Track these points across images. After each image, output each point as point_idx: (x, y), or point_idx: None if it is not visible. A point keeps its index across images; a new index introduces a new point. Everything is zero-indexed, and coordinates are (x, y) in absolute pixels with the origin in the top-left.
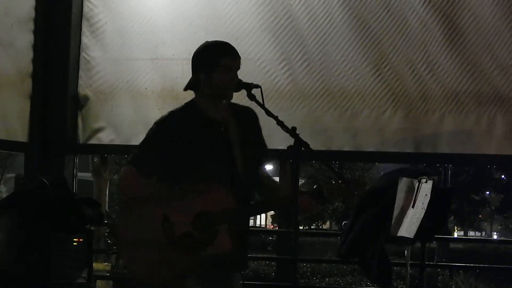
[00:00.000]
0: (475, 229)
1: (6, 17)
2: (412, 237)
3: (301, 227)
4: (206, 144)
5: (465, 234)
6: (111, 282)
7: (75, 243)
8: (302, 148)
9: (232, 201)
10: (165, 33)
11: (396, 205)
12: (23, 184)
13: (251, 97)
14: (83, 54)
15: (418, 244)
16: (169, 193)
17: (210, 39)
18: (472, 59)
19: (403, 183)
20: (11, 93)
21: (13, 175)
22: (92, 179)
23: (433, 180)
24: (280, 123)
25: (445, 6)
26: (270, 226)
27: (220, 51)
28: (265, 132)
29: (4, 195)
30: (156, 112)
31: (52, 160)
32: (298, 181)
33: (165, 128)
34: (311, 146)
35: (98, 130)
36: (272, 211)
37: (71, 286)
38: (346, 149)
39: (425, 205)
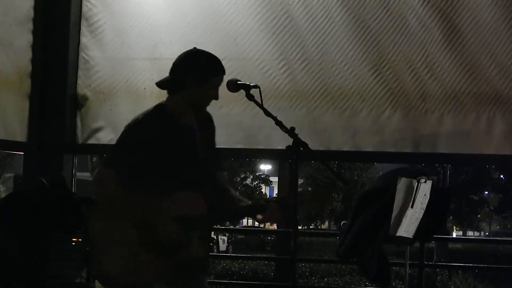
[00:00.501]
0: (474, 229)
1: (5, 17)
2: (411, 237)
3: (300, 227)
4: (179, 149)
5: (464, 234)
6: None
7: (74, 243)
8: (301, 148)
9: (204, 206)
10: (164, 32)
11: (395, 205)
12: (22, 183)
13: (250, 97)
14: (82, 53)
15: (417, 244)
16: (144, 196)
17: (209, 40)
18: (471, 59)
19: (402, 183)
20: (10, 93)
21: (12, 174)
22: (91, 178)
23: (432, 180)
24: (279, 123)
25: (444, 6)
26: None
27: (217, 68)
28: (264, 132)
29: (3, 195)
30: None
31: (51, 159)
32: (297, 181)
33: (140, 132)
34: (310, 146)
35: (97, 129)
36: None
37: (70, 286)
38: (345, 149)
39: (424, 205)
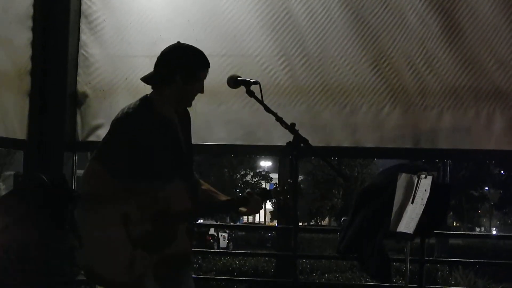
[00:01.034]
0: (474, 224)
1: (5, 14)
2: (411, 232)
3: (300, 224)
4: (166, 143)
5: (464, 230)
6: None
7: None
8: (301, 145)
9: (189, 200)
10: (163, 30)
11: (395, 201)
12: (22, 181)
13: (250, 93)
14: (81, 51)
15: (418, 240)
16: (133, 192)
17: (208, 36)
18: (470, 55)
19: (402, 179)
20: (10, 91)
21: (12, 172)
22: None
23: (432, 175)
24: (279, 119)
25: (444, 1)
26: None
27: (203, 62)
28: (264, 129)
29: (3, 193)
30: None
31: (51, 157)
32: (298, 177)
33: (129, 126)
34: (310, 142)
35: (97, 127)
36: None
37: (71, 284)
38: (345, 145)
39: (424, 201)
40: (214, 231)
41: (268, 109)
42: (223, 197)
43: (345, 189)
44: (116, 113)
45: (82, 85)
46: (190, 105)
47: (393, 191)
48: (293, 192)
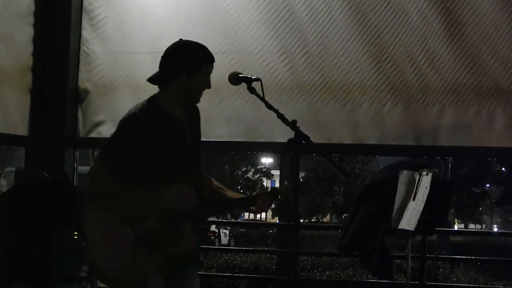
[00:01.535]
0: (476, 222)
1: (6, 11)
2: (412, 229)
3: (301, 220)
4: (172, 143)
5: (465, 227)
6: None
7: (76, 237)
8: (303, 141)
9: (195, 198)
10: (164, 26)
11: (396, 198)
12: (23, 178)
13: (251, 90)
14: (83, 47)
15: (419, 237)
16: (137, 190)
17: (210, 33)
18: (472, 52)
19: (403, 176)
20: (11, 87)
21: (13, 169)
22: None
23: (434, 172)
24: (281, 116)
25: None
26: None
27: (205, 56)
28: (265, 125)
29: (5, 189)
30: None
31: (52, 153)
32: (299, 174)
33: (133, 125)
34: (311, 139)
35: (98, 123)
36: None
37: (71, 279)
38: (346, 142)
39: (425, 198)
40: (215, 228)
41: (269, 106)
42: (233, 194)
43: (346, 186)
44: (117, 110)
45: (83, 82)
46: (197, 101)
47: (394, 188)
48: (295, 189)
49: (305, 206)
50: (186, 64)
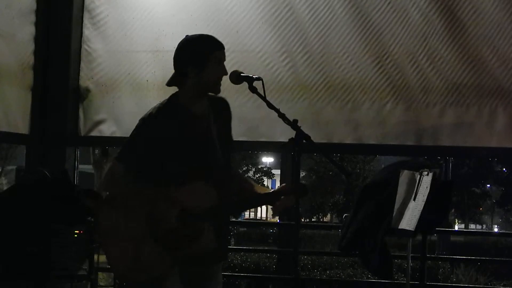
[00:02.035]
0: (476, 222)
1: (8, 9)
2: (413, 229)
3: (302, 220)
4: (192, 141)
5: (466, 227)
6: (112, 274)
7: (76, 235)
8: (304, 141)
9: (216, 197)
10: (166, 25)
11: (397, 198)
12: (24, 176)
13: (253, 89)
14: (84, 46)
15: (419, 237)
16: (154, 190)
17: (211, 32)
18: (473, 52)
19: (404, 176)
20: (13, 85)
21: (14, 167)
22: (93, 171)
23: (434, 172)
24: (282, 116)
25: None
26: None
27: (211, 44)
28: (266, 125)
29: (5, 187)
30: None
31: (53, 152)
32: (299, 173)
33: (151, 125)
34: (312, 138)
35: (99, 122)
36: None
37: (72, 278)
38: (347, 141)
39: (426, 198)
40: None
41: (270, 105)
42: (261, 190)
43: (347, 186)
44: (118, 108)
45: (84, 80)
46: (217, 91)
47: (395, 187)
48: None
49: (305, 205)
50: (192, 58)
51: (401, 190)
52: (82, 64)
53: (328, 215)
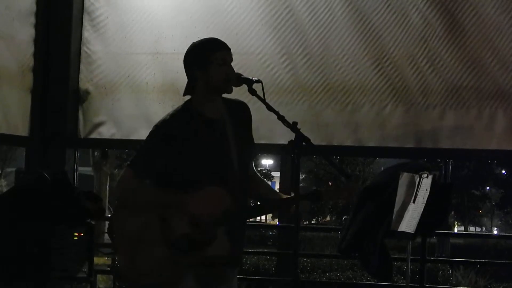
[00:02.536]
0: (476, 224)
1: (8, 11)
2: (412, 232)
3: (301, 222)
4: (206, 145)
5: (466, 229)
6: (111, 277)
7: (76, 237)
8: (303, 143)
9: (231, 202)
10: (165, 27)
11: (397, 200)
12: (23, 178)
13: (252, 92)
14: (84, 48)
15: (419, 239)
16: (168, 194)
17: (210, 34)
18: (473, 54)
19: (404, 178)
20: (12, 87)
21: (14, 169)
22: (92, 173)
23: (434, 175)
24: (281, 118)
25: (446, 1)
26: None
27: (211, 46)
28: (266, 127)
29: (5, 189)
30: (156, 106)
31: (52, 154)
32: (299, 176)
33: (164, 131)
34: (312, 140)
35: (99, 124)
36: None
37: (71, 280)
38: (347, 144)
39: (425, 200)
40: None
41: (270, 108)
42: (277, 196)
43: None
44: (118, 111)
45: (84, 82)
46: (229, 91)
47: (395, 190)
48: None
49: (305, 207)
50: (196, 61)
51: (400, 192)
52: (82, 66)
53: (328, 217)
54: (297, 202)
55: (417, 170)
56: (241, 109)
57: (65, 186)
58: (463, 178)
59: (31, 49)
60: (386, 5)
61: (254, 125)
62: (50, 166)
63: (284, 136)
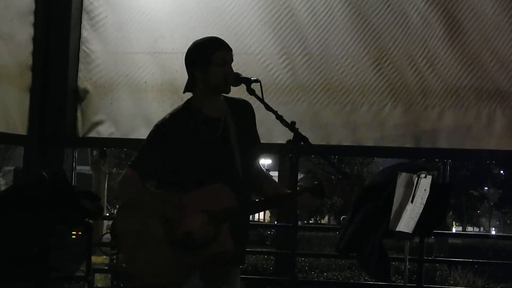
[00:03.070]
0: (474, 224)
1: (7, 10)
2: (410, 232)
3: (299, 222)
4: (206, 144)
5: (464, 229)
6: (109, 275)
7: (74, 236)
8: (302, 143)
9: (233, 199)
10: (164, 27)
11: (395, 200)
12: (22, 177)
13: (251, 91)
14: (83, 47)
15: (417, 239)
16: (170, 193)
17: (210, 34)
18: (472, 54)
19: (402, 178)
20: (11, 86)
21: (12, 168)
22: (91, 172)
23: (432, 175)
24: (280, 118)
25: (446, 1)
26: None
27: (212, 45)
28: (264, 127)
29: (3, 188)
30: (155, 106)
31: (51, 153)
32: (297, 176)
33: (164, 130)
34: (310, 140)
35: (98, 123)
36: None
37: (69, 279)
38: (345, 143)
39: (424, 200)
40: None
41: (268, 107)
42: (281, 191)
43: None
44: (116, 110)
45: (83, 81)
46: (227, 91)
47: (393, 190)
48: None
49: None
50: (196, 61)
51: (399, 192)
52: (81, 65)
53: (326, 217)
54: (299, 195)
55: (416, 170)
56: (244, 107)
57: (63, 185)
58: (462, 178)
59: (30, 48)
60: (386, 6)
61: None
62: (49, 165)
63: (282, 136)
